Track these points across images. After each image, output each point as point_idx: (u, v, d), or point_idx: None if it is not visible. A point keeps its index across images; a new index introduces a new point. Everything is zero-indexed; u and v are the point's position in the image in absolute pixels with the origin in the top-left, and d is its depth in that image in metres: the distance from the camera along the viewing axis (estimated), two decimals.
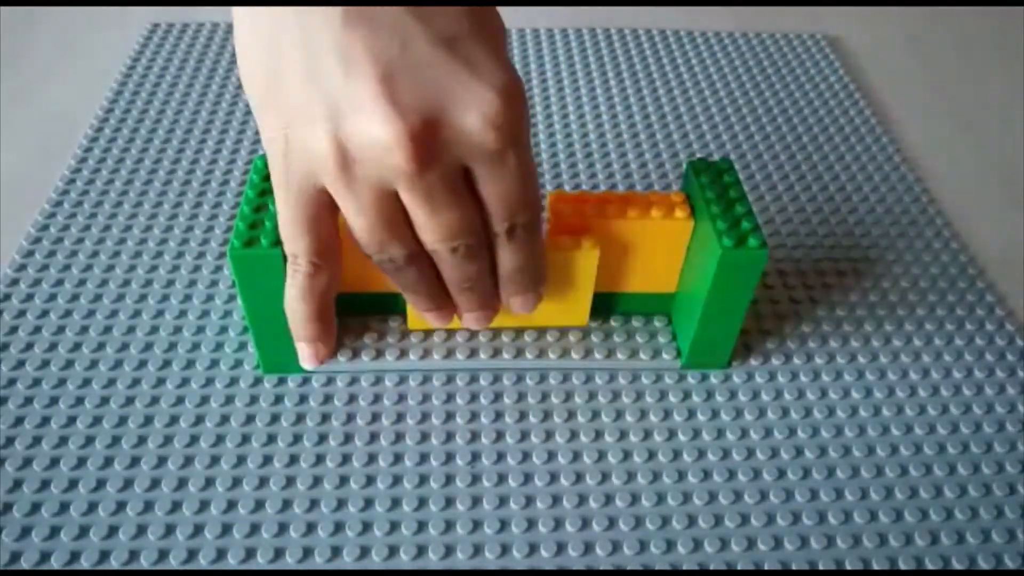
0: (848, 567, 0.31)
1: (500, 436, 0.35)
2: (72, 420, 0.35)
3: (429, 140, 0.26)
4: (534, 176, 0.30)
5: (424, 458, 0.34)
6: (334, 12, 0.26)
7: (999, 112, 0.58)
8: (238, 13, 0.28)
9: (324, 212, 0.29)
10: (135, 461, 0.33)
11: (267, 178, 0.34)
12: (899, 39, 0.65)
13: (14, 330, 0.38)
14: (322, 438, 0.35)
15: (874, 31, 0.66)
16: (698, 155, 0.51)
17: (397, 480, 0.33)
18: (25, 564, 0.30)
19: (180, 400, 0.36)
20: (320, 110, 0.26)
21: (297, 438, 0.35)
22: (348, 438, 0.35)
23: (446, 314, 0.34)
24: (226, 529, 0.31)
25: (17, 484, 0.32)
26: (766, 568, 0.31)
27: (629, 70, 0.58)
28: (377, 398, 0.36)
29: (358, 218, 0.29)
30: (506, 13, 0.63)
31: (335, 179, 0.27)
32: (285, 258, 0.31)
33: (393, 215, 0.29)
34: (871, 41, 0.64)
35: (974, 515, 0.33)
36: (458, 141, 0.27)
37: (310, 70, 0.26)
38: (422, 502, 0.33)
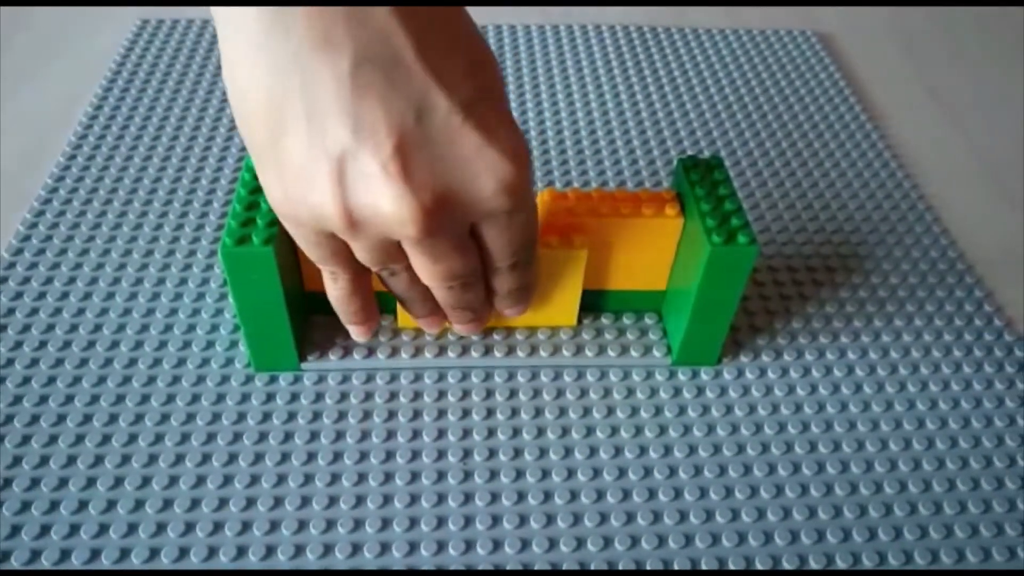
0: (839, 562, 0.32)
1: (491, 433, 0.35)
2: (62, 418, 0.34)
3: (441, 212, 0.26)
4: (536, 227, 0.30)
5: (416, 455, 0.34)
6: (342, 65, 0.24)
7: (988, 109, 0.58)
8: (231, 54, 0.25)
9: (342, 243, 0.29)
10: (125, 459, 0.33)
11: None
12: (890, 36, 0.65)
13: (3, 328, 0.38)
14: (313, 436, 0.35)
15: (865, 28, 0.66)
16: (688, 152, 0.51)
17: (388, 477, 0.33)
18: (15, 563, 0.30)
19: (171, 398, 0.36)
20: (325, 173, 0.25)
21: (288, 436, 0.35)
22: (339, 436, 0.35)
23: (437, 320, 0.34)
24: (217, 527, 0.31)
25: (7, 483, 0.32)
26: (757, 563, 0.31)
27: (620, 67, 0.58)
28: (368, 396, 0.36)
29: (361, 253, 0.29)
30: (498, 10, 0.63)
31: (340, 230, 0.27)
32: (276, 256, 0.31)
33: (393, 250, 0.29)
34: (862, 38, 0.65)
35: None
36: (470, 208, 0.27)
37: (315, 130, 0.25)
38: (413, 499, 0.33)
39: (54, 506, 0.32)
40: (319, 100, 0.24)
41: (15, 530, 0.31)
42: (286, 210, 0.27)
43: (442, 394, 0.37)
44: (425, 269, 0.29)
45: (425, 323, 0.34)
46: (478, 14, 0.63)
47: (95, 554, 0.30)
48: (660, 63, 0.59)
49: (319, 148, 0.25)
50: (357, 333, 0.34)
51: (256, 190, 0.34)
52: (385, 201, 0.25)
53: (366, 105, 0.24)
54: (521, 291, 0.33)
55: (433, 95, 0.25)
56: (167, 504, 0.32)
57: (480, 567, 0.31)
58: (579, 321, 0.40)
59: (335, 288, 0.32)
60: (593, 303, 0.40)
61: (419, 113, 0.25)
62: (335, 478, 0.33)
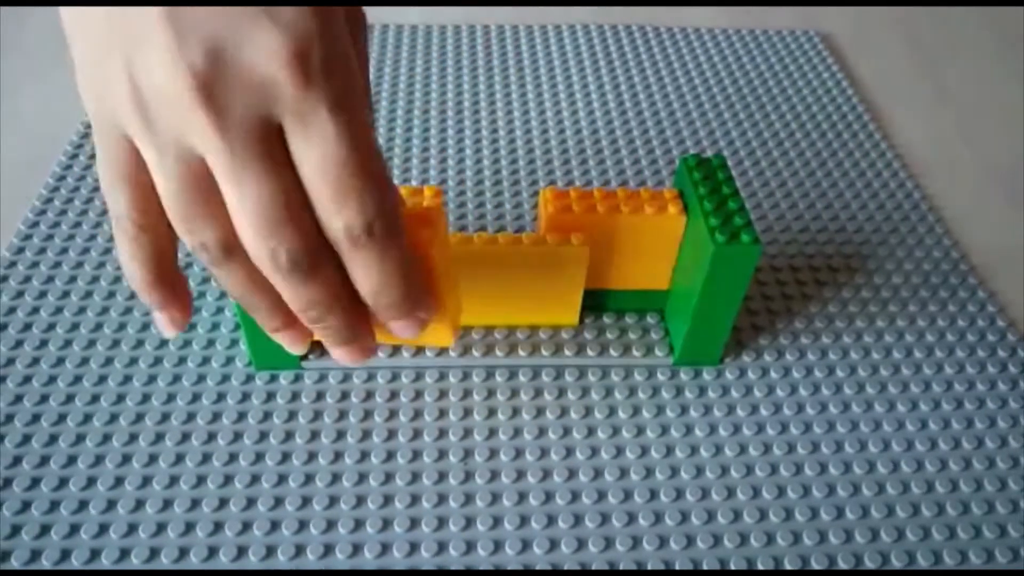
0: (841, 563, 0.32)
1: (493, 433, 0.35)
2: (63, 418, 0.34)
3: (214, 75, 0.23)
4: (366, 152, 0.25)
5: (416, 455, 0.34)
6: None
7: (991, 109, 0.58)
8: None
9: (140, 167, 0.25)
10: (126, 459, 0.33)
11: None
12: (891, 35, 0.65)
13: (3, 327, 0.38)
14: (314, 435, 0.35)
15: (866, 28, 0.66)
16: (691, 151, 0.51)
17: (389, 477, 0.33)
18: (16, 563, 0.30)
19: (171, 397, 0.35)
20: (115, 45, 0.23)
21: (289, 435, 0.34)
22: (340, 435, 0.35)
23: (298, 333, 0.28)
24: (217, 527, 0.31)
25: (7, 482, 0.32)
26: (759, 564, 0.31)
27: (623, 67, 0.58)
28: (369, 395, 0.36)
29: (162, 179, 0.24)
30: (498, 10, 0.63)
31: (134, 123, 0.24)
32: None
33: (201, 184, 0.24)
34: (864, 38, 0.64)
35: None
36: (247, 80, 0.23)
37: (112, 13, 0.23)
38: (414, 499, 0.33)
39: (54, 506, 0.32)
40: None
41: (15, 530, 0.31)
42: (90, 111, 0.25)
43: (443, 393, 0.36)
44: (235, 206, 0.24)
45: (284, 339, 0.28)
46: (479, 14, 0.63)
47: (95, 554, 0.30)
48: (663, 63, 0.59)
49: (114, 21, 0.23)
50: (158, 322, 0.28)
51: None
52: (157, 56, 0.23)
53: None
54: (391, 291, 0.26)
55: None
56: (167, 504, 0.32)
57: (481, 568, 0.31)
58: (581, 320, 0.39)
59: (122, 248, 0.26)
60: (595, 302, 0.39)
61: None
62: (336, 478, 0.33)
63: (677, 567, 0.31)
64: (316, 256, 0.25)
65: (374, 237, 0.25)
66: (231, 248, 0.25)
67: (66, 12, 0.25)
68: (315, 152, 0.24)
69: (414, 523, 0.32)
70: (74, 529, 0.31)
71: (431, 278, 0.29)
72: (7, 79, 0.54)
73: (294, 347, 0.28)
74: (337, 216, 0.24)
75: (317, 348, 0.37)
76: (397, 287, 0.26)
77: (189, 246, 0.25)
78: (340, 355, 0.28)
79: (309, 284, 0.25)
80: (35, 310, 0.39)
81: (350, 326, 0.27)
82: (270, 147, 0.24)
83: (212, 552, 0.31)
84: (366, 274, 0.26)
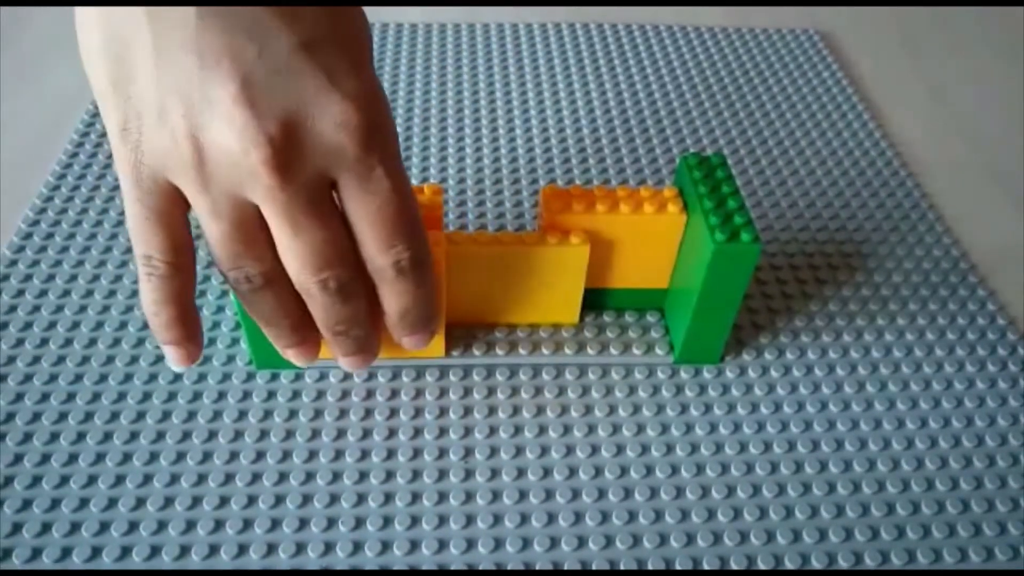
0: (841, 561, 0.32)
1: (493, 431, 0.35)
2: (64, 416, 0.34)
3: (288, 146, 0.25)
4: (411, 201, 0.28)
5: (417, 453, 0.34)
6: (188, 11, 0.24)
7: (990, 107, 0.58)
8: (82, 14, 0.27)
9: (176, 209, 0.27)
10: (127, 457, 0.33)
11: None
12: (891, 34, 0.65)
13: (4, 326, 0.38)
14: (315, 433, 0.35)
15: (866, 26, 0.66)
16: (691, 150, 0.51)
17: (390, 475, 0.33)
18: (17, 561, 0.30)
19: (172, 396, 0.36)
20: (174, 106, 0.25)
21: (290, 433, 0.35)
22: (341, 433, 0.35)
23: (310, 349, 0.31)
24: (218, 525, 0.31)
25: (8, 481, 0.32)
26: (759, 562, 0.31)
27: (622, 65, 0.58)
28: (370, 393, 0.36)
29: (212, 223, 0.27)
30: (498, 9, 0.63)
31: (190, 179, 0.26)
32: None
33: (252, 226, 0.27)
34: (863, 36, 0.64)
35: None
36: (317, 148, 0.26)
37: (163, 64, 0.25)
38: (415, 497, 0.33)
39: (55, 504, 0.32)
40: (165, 34, 0.25)
41: (16, 528, 0.31)
42: (130, 159, 0.26)
43: (444, 391, 0.37)
44: (288, 248, 0.27)
45: (295, 354, 0.31)
46: (480, 13, 0.63)
47: (96, 552, 0.30)
48: (663, 61, 0.59)
49: (168, 80, 0.25)
50: (173, 357, 0.30)
51: None
52: (233, 130, 0.25)
53: (210, 39, 0.24)
54: (415, 312, 0.30)
55: (277, 33, 0.25)
56: (168, 502, 0.32)
57: (481, 566, 0.31)
58: (581, 319, 0.39)
59: (148, 287, 0.28)
60: (595, 301, 0.39)
61: (262, 46, 0.25)
62: (336, 476, 0.33)
63: (677, 565, 0.31)
64: (355, 282, 0.29)
65: (412, 270, 0.29)
66: (272, 280, 0.28)
67: (96, 78, 0.26)
68: (371, 205, 0.27)
69: (415, 521, 0.32)
70: (75, 527, 0.31)
71: (439, 286, 0.32)
72: (7, 78, 0.54)
73: (302, 362, 0.31)
74: (384, 255, 0.28)
75: None
76: (422, 309, 0.31)
77: (230, 278, 0.28)
78: (349, 362, 0.31)
79: (346, 305, 0.29)
80: (36, 308, 0.39)
81: (368, 337, 0.31)
82: (324, 198, 0.27)
83: (213, 550, 0.31)
84: (398, 299, 0.30)
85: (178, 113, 0.25)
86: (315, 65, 0.26)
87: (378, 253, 0.28)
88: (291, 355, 0.31)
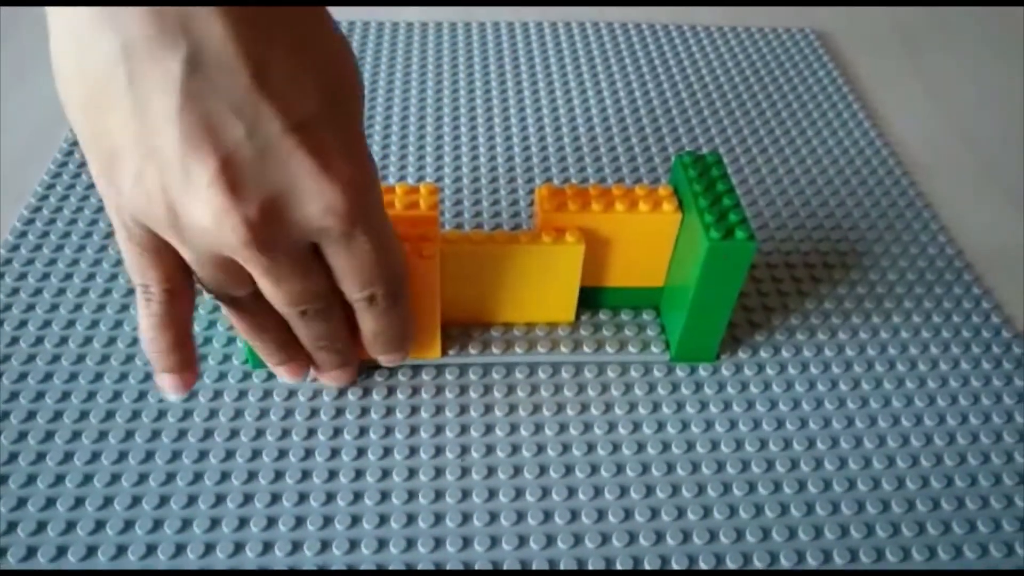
0: (836, 558, 0.32)
1: (489, 429, 0.35)
2: (58, 415, 0.34)
3: (268, 227, 0.25)
4: (391, 250, 0.29)
5: (413, 451, 0.34)
6: (173, 74, 0.22)
7: (985, 106, 0.58)
8: (59, 46, 0.24)
9: (167, 245, 0.27)
10: (122, 456, 0.33)
11: None
12: (887, 34, 0.65)
13: None
14: (311, 432, 0.35)
15: (863, 26, 0.66)
16: (686, 149, 0.51)
17: (386, 474, 0.33)
18: (12, 560, 0.30)
19: None
20: (152, 174, 0.24)
21: (285, 432, 0.34)
22: (337, 432, 0.35)
23: (298, 367, 0.33)
24: (214, 523, 0.31)
25: (2, 479, 0.32)
26: (754, 560, 0.31)
27: (618, 64, 0.58)
28: (366, 392, 0.36)
29: (194, 265, 0.27)
30: (495, 8, 0.63)
31: (169, 236, 0.26)
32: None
33: (233, 267, 0.27)
34: (860, 36, 0.64)
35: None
36: (300, 228, 0.26)
37: (143, 132, 0.23)
38: (411, 495, 0.33)
39: (50, 503, 0.32)
40: (147, 99, 0.23)
41: (11, 527, 0.31)
42: (113, 202, 0.26)
43: (440, 390, 0.37)
44: (270, 292, 0.28)
45: (286, 371, 0.32)
46: (478, 11, 0.63)
47: (91, 551, 0.30)
48: (659, 60, 0.59)
49: (147, 147, 0.24)
50: (168, 384, 0.30)
51: None
52: (209, 213, 0.24)
53: (195, 114, 0.23)
54: (388, 334, 0.32)
55: (265, 113, 0.24)
56: (164, 500, 0.32)
57: (477, 564, 0.31)
58: (577, 317, 0.40)
59: (146, 313, 0.28)
60: (591, 299, 0.39)
61: (250, 130, 0.24)
62: (332, 475, 0.33)
63: (673, 563, 0.31)
64: (332, 309, 0.30)
65: (384, 301, 0.30)
66: (258, 299, 0.28)
67: (76, 124, 0.25)
68: (351, 263, 0.28)
69: (410, 519, 0.32)
70: (70, 526, 0.31)
71: (433, 292, 0.34)
72: (6, 77, 0.54)
73: (291, 378, 0.33)
74: (359, 293, 0.29)
75: None
76: (395, 332, 0.32)
77: (216, 297, 0.28)
78: (331, 378, 0.34)
79: (323, 324, 0.30)
80: (31, 307, 0.39)
81: (346, 354, 0.32)
82: (305, 256, 0.27)
83: (208, 548, 0.31)
84: (372, 325, 0.31)
85: (155, 182, 0.24)
86: (307, 148, 0.24)
87: (353, 291, 0.29)
88: (281, 372, 0.33)
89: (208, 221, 0.24)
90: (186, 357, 0.30)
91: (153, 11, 0.22)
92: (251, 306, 0.29)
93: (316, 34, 0.25)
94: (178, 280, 0.28)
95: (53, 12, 0.24)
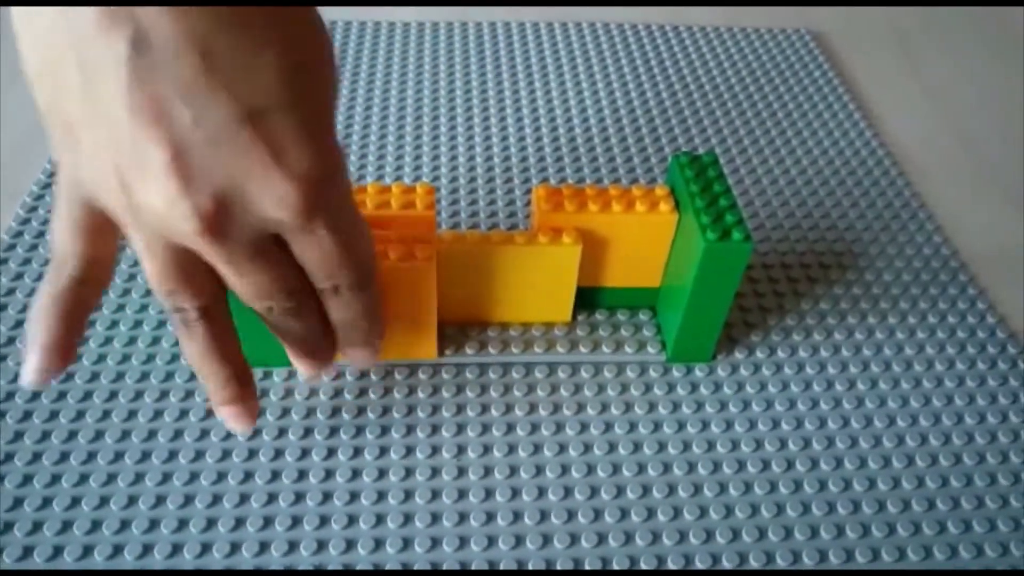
0: (832, 558, 0.32)
1: (486, 429, 0.35)
2: (55, 415, 0.34)
3: (221, 217, 0.24)
4: (357, 237, 0.28)
5: (410, 451, 0.34)
6: (120, 54, 0.22)
7: (980, 106, 0.58)
8: (24, 37, 0.24)
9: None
10: (119, 455, 0.33)
11: None
12: (883, 34, 0.65)
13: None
14: (307, 431, 0.35)
15: (859, 26, 0.66)
16: (683, 149, 0.51)
17: (382, 474, 0.33)
18: (8, 560, 0.30)
19: (164, 394, 0.35)
20: (105, 154, 0.23)
21: (282, 431, 0.34)
22: (333, 431, 0.35)
23: (245, 415, 0.30)
24: (211, 523, 0.31)
25: (0, 479, 0.32)
26: (751, 560, 0.32)
27: (615, 64, 0.58)
28: (363, 392, 0.36)
29: (145, 260, 0.25)
30: (491, 8, 0.63)
31: (120, 217, 0.25)
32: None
33: (187, 264, 0.26)
34: (855, 36, 0.65)
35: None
36: (254, 219, 0.25)
37: (94, 112, 0.23)
38: (408, 495, 0.33)
39: (46, 503, 0.32)
40: (96, 76, 0.22)
41: (7, 526, 0.31)
42: (68, 167, 0.25)
43: (436, 389, 0.37)
44: (233, 285, 0.27)
45: (230, 417, 0.30)
46: (474, 11, 0.63)
47: (87, 551, 0.30)
48: (655, 61, 0.59)
49: (99, 124, 0.23)
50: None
51: None
52: (161, 199, 0.23)
53: (144, 96, 0.22)
54: (355, 329, 0.30)
55: (214, 99, 0.22)
56: (160, 500, 0.32)
57: (474, 564, 0.31)
58: (573, 317, 0.40)
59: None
60: (588, 299, 0.40)
61: (197, 117, 0.22)
62: (329, 474, 0.33)
63: (670, 563, 0.31)
64: (301, 302, 0.28)
65: (350, 291, 0.29)
66: (206, 314, 0.27)
67: (37, 94, 0.24)
68: (312, 253, 0.27)
69: (407, 519, 0.32)
70: (66, 526, 0.31)
71: (429, 292, 0.34)
72: (6, 72, 0.54)
73: (236, 429, 0.30)
74: (324, 282, 0.28)
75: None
76: (360, 325, 0.30)
77: (165, 307, 0.27)
78: (302, 368, 0.32)
79: (292, 319, 0.29)
80: (27, 307, 0.39)
81: (318, 346, 0.31)
82: (267, 247, 0.26)
83: (205, 548, 0.31)
84: (338, 314, 0.30)
85: (108, 160, 0.23)
86: (258, 138, 0.23)
87: (319, 281, 0.28)
88: (225, 417, 0.30)
89: (161, 207, 0.23)
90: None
91: None
92: (201, 321, 0.27)
93: (277, 15, 0.24)
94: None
95: (16, 13, 0.24)
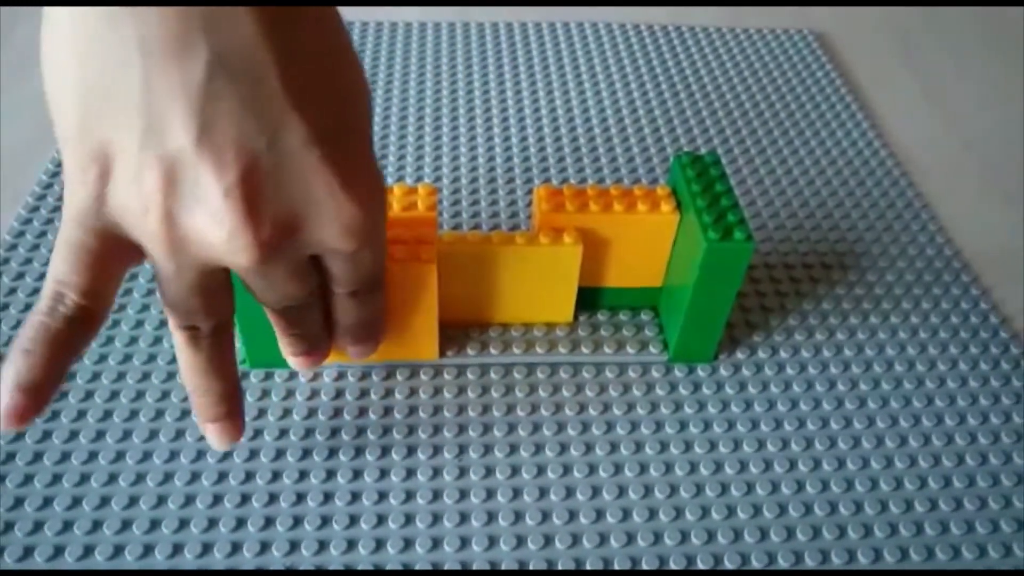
0: (834, 559, 0.32)
1: (487, 430, 0.35)
2: (56, 415, 0.34)
3: (279, 244, 0.24)
4: (383, 256, 0.29)
5: (411, 451, 0.34)
6: (195, 76, 0.21)
7: (983, 106, 0.58)
8: (54, 41, 0.22)
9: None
10: (119, 455, 0.33)
11: None
12: (886, 35, 0.65)
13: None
14: (308, 432, 0.35)
15: (861, 27, 0.66)
16: (685, 149, 0.51)
17: (384, 473, 0.33)
18: (9, 560, 0.30)
19: (166, 394, 0.35)
20: (152, 175, 0.22)
21: (283, 432, 0.34)
22: (334, 432, 0.35)
23: (229, 431, 0.30)
24: (212, 523, 0.31)
25: (1, 479, 0.32)
26: (752, 560, 0.31)
27: (617, 64, 0.58)
28: (364, 393, 0.36)
29: (170, 283, 0.25)
30: (492, 8, 0.63)
31: (154, 248, 0.24)
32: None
33: (213, 284, 0.25)
34: (858, 37, 0.65)
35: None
36: (312, 244, 0.25)
37: (152, 128, 0.22)
38: (409, 495, 0.33)
39: (47, 502, 0.32)
40: (162, 100, 0.21)
41: (8, 526, 0.31)
42: (80, 194, 0.23)
43: (438, 390, 0.37)
44: (258, 295, 0.27)
45: (212, 434, 0.30)
46: (476, 11, 0.63)
47: (88, 551, 0.30)
48: (657, 61, 0.59)
49: (153, 148, 0.22)
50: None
51: None
52: (218, 230, 0.23)
53: (216, 116, 0.21)
54: (363, 326, 0.31)
55: (291, 122, 0.22)
56: (161, 500, 0.32)
57: (475, 564, 0.31)
58: (575, 318, 0.40)
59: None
60: (589, 300, 0.39)
61: (273, 139, 0.22)
62: (330, 474, 0.33)
63: (671, 563, 0.31)
64: (314, 303, 0.29)
65: (363, 295, 0.29)
66: (217, 329, 0.27)
67: (62, 118, 0.23)
68: (352, 274, 0.28)
69: (408, 519, 0.32)
70: (67, 526, 0.31)
71: (431, 293, 0.34)
72: (7, 68, 0.54)
73: (220, 446, 0.30)
74: (347, 287, 0.28)
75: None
76: (371, 323, 0.31)
77: (175, 324, 0.26)
78: (298, 362, 0.32)
79: (301, 316, 0.29)
80: (28, 307, 0.39)
81: (317, 342, 0.31)
82: (303, 268, 0.26)
83: (206, 548, 0.31)
84: (350, 315, 0.30)
85: (154, 186, 0.22)
86: (326, 161, 0.23)
87: (342, 286, 0.28)
88: (208, 433, 0.30)
89: (214, 236, 0.23)
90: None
91: (178, 9, 0.21)
92: (212, 337, 0.27)
93: (336, 42, 0.24)
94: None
95: (49, 12, 0.23)
